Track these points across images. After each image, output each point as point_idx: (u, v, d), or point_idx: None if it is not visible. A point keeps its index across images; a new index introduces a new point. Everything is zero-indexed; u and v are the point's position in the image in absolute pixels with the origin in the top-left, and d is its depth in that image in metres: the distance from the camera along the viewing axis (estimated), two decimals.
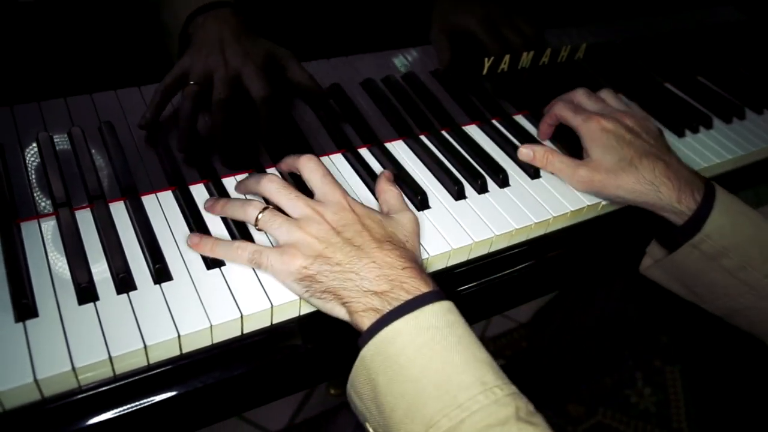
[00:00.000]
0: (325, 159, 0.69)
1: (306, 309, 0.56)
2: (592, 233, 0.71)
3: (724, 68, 1.00)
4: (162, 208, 0.60)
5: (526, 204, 0.67)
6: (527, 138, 0.76)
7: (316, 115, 0.73)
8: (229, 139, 0.65)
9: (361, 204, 0.57)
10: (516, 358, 1.41)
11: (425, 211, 0.64)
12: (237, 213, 0.57)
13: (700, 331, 1.13)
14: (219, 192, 0.62)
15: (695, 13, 1.05)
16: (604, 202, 0.69)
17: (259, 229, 0.57)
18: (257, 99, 0.64)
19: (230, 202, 0.58)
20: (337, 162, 0.69)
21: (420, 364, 0.47)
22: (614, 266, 0.83)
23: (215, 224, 0.59)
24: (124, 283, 0.52)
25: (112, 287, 0.52)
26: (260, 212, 0.56)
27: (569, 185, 0.69)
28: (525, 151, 0.70)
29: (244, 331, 0.54)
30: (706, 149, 0.81)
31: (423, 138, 0.73)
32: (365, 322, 0.50)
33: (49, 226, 0.56)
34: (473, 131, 0.76)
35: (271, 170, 0.66)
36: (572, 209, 0.68)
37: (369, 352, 0.49)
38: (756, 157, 0.86)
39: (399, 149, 0.72)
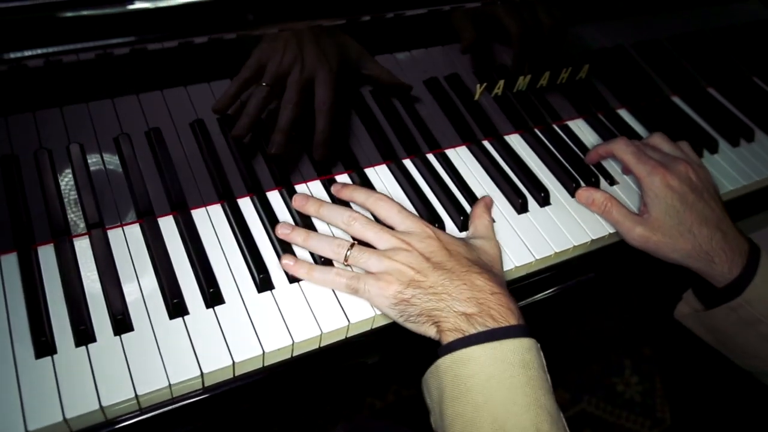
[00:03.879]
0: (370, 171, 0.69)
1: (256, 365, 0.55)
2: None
3: (738, 79, 0.94)
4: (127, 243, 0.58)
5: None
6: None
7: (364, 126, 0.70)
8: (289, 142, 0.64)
9: (443, 231, 0.60)
10: None
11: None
12: (326, 251, 0.59)
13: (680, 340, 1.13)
14: (186, 221, 0.60)
15: (711, 10, 0.97)
16: None
17: (347, 265, 0.58)
18: (319, 106, 0.62)
19: (316, 237, 0.60)
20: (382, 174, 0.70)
21: (485, 394, 0.49)
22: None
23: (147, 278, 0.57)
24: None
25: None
26: (348, 249, 0.57)
27: (623, 236, 0.67)
28: (585, 195, 0.68)
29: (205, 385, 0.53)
30: None
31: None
32: (448, 338, 0.52)
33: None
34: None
35: (314, 183, 0.67)
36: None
37: (444, 364, 0.51)
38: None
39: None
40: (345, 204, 0.65)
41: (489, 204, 0.66)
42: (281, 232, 0.60)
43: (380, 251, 0.57)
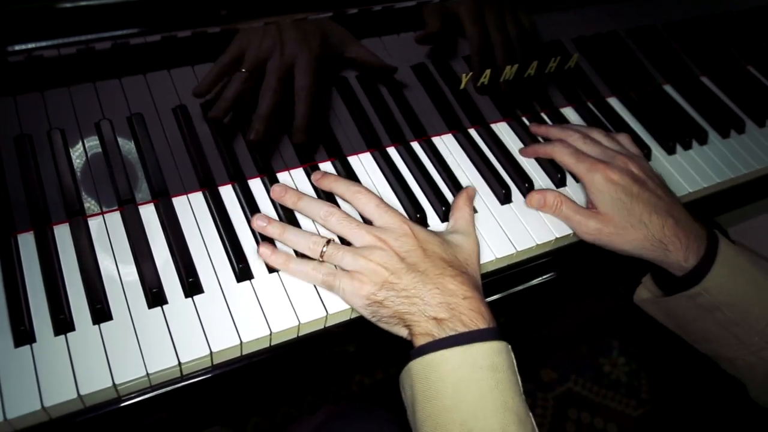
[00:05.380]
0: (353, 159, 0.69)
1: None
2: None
3: (733, 68, 0.93)
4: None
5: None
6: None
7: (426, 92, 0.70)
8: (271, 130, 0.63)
9: (420, 227, 0.59)
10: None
11: None
12: (302, 247, 0.59)
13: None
14: (167, 210, 0.60)
15: None
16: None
17: (324, 262, 0.58)
18: (298, 91, 0.61)
19: (295, 232, 0.59)
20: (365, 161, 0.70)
21: (454, 398, 0.49)
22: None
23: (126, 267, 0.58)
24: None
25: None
26: (324, 246, 0.57)
27: (577, 233, 0.67)
28: (537, 198, 0.67)
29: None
30: (695, 170, 0.77)
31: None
32: (420, 342, 0.53)
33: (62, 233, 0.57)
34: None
35: (297, 171, 0.67)
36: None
37: (415, 366, 0.52)
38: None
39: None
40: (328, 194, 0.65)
41: (472, 195, 0.66)
42: (257, 224, 0.60)
43: (356, 249, 0.57)
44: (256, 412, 1.20)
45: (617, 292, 1.43)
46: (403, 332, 0.55)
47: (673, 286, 0.65)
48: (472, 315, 0.53)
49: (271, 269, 0.58)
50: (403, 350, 0.55)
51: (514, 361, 0.53)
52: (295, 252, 0.60)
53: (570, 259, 0.71)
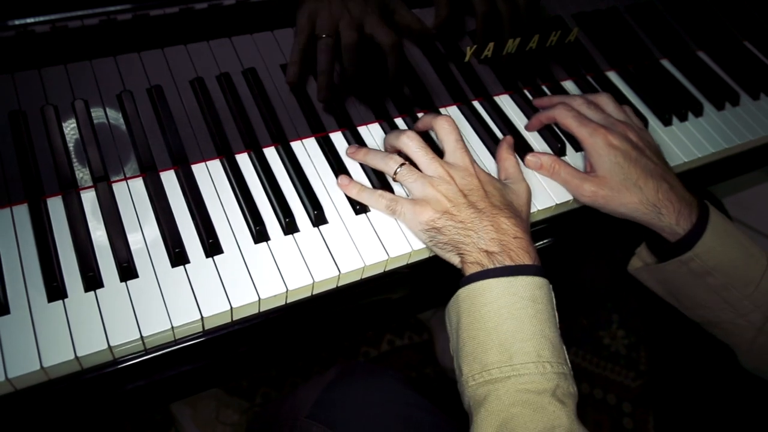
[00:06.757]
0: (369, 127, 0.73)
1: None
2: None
3: (729, 43, 0.95)
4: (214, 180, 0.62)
5: None
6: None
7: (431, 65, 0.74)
8: (361, 85, 0.69)
9: (485, 171, 0.64)
10: None
11: None
12: (378, 163, 0.65)
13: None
14: (187, 176, 0.63)
15: None
16: None
17: (395, 181, 0.64)
18: (386, 46, 0.68)
19: (372, 152, 0.66)
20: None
21: (495, 321, 0.55)
22: None
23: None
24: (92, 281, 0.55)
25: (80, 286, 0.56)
26: (399, 166, 0.63)
27: (574, 196, 0.69)
28: (533, 160, 0.70)
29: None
30: (690, 140, 0.80)
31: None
32: (470, 270, 0.58)
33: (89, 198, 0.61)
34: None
35: (398, 120, 0.72)
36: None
37: (463, 293, 0.57)
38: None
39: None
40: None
41: (510, 143, 0.70)
42: (349, 151, 0.68)
43: (426, 176, 0.62)
44: (265, 382, 1.24)
45: (615, 262, 1.46)
46: (454, 259, 0.60)
47: (667, 253, 0.68)
48: (520, 252, 0.57)
49: (287, 231, 0.61)
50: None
51: (554, 299, 0.58)
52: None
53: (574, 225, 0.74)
